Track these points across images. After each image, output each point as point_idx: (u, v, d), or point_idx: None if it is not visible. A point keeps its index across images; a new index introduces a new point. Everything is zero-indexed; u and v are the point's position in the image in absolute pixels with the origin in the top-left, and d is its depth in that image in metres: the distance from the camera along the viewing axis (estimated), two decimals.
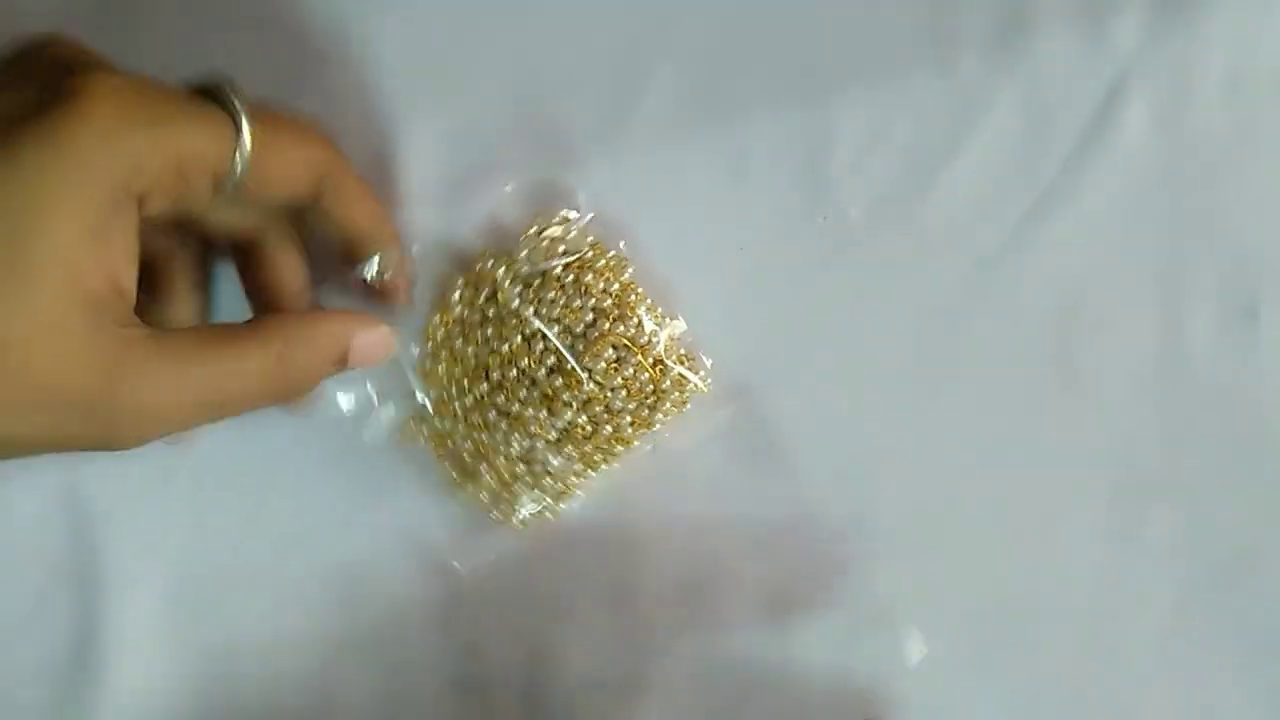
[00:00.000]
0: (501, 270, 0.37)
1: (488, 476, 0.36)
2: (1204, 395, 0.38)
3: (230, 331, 0.30)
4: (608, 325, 0.36)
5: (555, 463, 0.36)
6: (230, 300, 0.37)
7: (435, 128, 0.38)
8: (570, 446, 0.36)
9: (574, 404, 0.36)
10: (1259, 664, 0.37)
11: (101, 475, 0.37)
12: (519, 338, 0.36)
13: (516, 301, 0.36)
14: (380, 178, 0.38)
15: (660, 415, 0.37)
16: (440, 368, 0.37)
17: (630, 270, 0.37)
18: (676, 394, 0.37)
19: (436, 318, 0.37)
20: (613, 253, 0.37)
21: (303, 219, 0.34)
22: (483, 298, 0.37)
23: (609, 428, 0.36)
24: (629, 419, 0.36)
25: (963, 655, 0.37)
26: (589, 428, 0.36)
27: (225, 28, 0.39)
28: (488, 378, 0.36)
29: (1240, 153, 0.39)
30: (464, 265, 0.38)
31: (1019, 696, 0.37)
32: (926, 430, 0.38)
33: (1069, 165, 0.39)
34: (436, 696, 0.37)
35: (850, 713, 0.35)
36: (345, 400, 0.36)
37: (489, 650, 0.37)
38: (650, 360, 0.36)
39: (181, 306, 0.35)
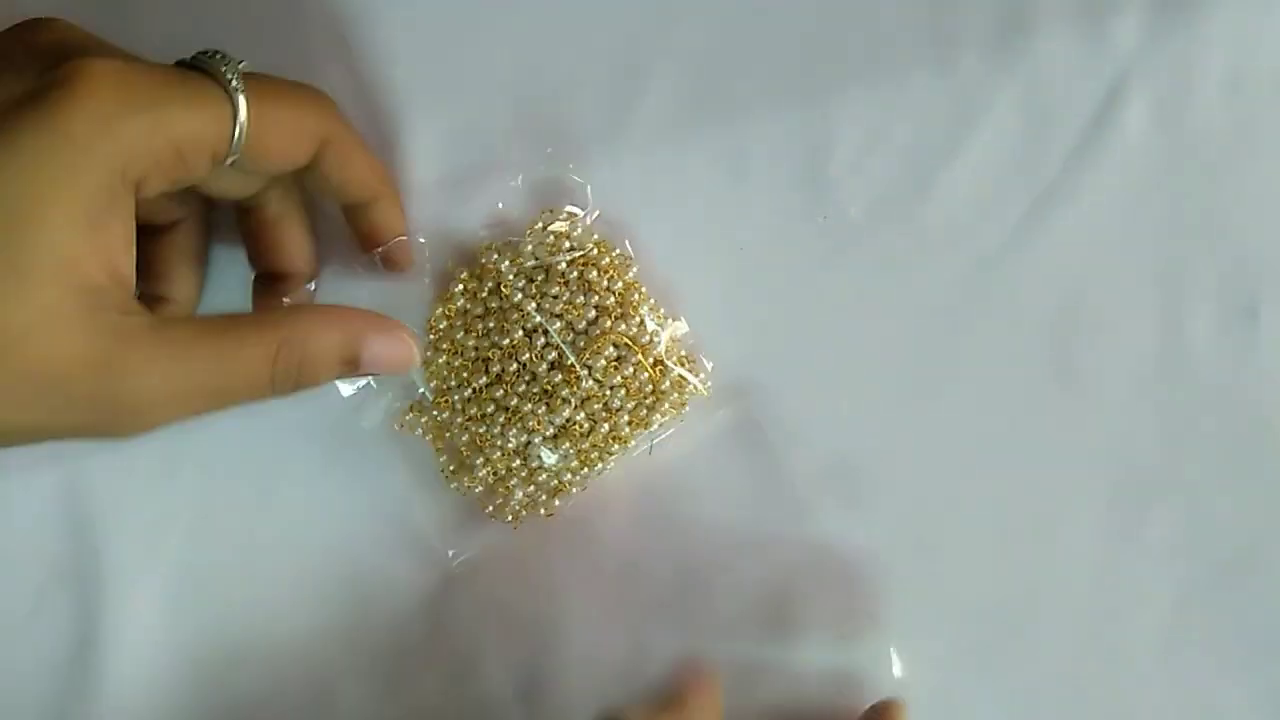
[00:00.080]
0: (506, 263, 0.37)
1: (483, 470, 0.36)
2: (1204, 395, 0.38)
3: (232, 323, 0.30)
4: (609, 323, 0.36)
5: (549, 460, 0.36)
6: (232, 297, 0.38)
7: (437, 127, 0.39)
8: (567, 443, 0.36)
9: (572, 401, 0.36)
10: (1259, 664, 0.37)
11: (101, 474, 0.37)
12: (520, 332, 0.36)
13: (519, 295, 0.36)
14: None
15: (659, 416, 0.36)
16: (441, 359, 0.37)
17: (634, 270, 0.37)
18: (676, 395, 0.37)
19: (439, 310, 0.37)
20: (617, 251, 0.37)
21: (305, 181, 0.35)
22: (485, 290, 0.37)
23: (606, 426, 0.36)
24: (627, 418, 0.36)
25: (963, 655, 0.37)
26: (587, 425, 0.36)
27: (226, 28, 0.39)
28: (487, 371, 0.36)
29: (1240, 153, 0.39)
30: (467, 259, 0.38)
31: (1019, 696, 0.37)
32: (926, 430, 0.38)
33: (1069, 165, 0.39)
34: (435, 693, 0.37)
35: (849, 712, 0.35)
36: (345, 387, 0.36)
37: (487, 648, 0.37)
38: (651, 360, 0.36)
39: (180, 284, 0.35)
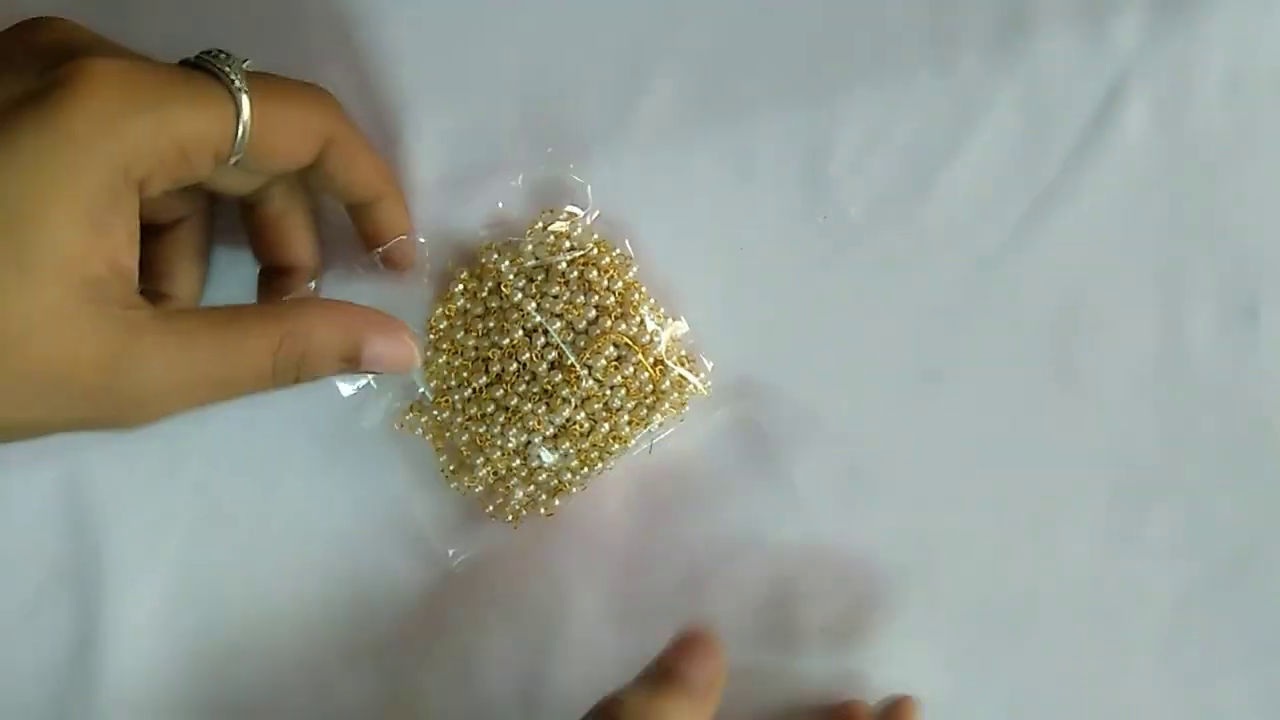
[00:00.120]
0: (506, 263, 0.37)
1: (483, 470, 0.36)
2: (1204, 395, 0.38)
3: (236, 314, 0.30)
4: (610, 323, 0.36)
5: (549, 459, 0.36)
6: (234, 294, 0.38)
7: (438, 126, 0.39)
8: (568, 443, 0.36)
9: (572, 400, 0.36)
10: (1259, 664, 0.37)
11: (101, 473, 0.37)
12: (520, 331, 0.36)
13: (519, 295, 0.36)
14: None
15: (659, 415, 0.36)
16: (441, 359, 0.37)
17: (635, 269, 0.37)
18: (676, 395, 0.37)
19: (440, 309, 0.37)
20: (618, 250, 0.37)
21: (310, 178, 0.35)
22: (485, 290, 0.37)
23: (606, 426, 0.36)
24: (627, 418, 0.36)
25: (963, 655, 0.37)
26: (587, 425, 0.36)
27: (227, 27, 0.39)
28: (487, 371, 0.36)
29: (1240, 153, 0.39)
30: (468, 259, 0.38)
31: (1019, 696, 0.37)
32: (926, 430, 0.38)
33: (1069, 165, 0.39)
34: (434, 692, 0.37)
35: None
36: (345, 387, 0.36)
37: (487, 647, 0.37)
38: (651, 360, 0.36)
39: (183, 281, 0.36)
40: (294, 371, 0.30)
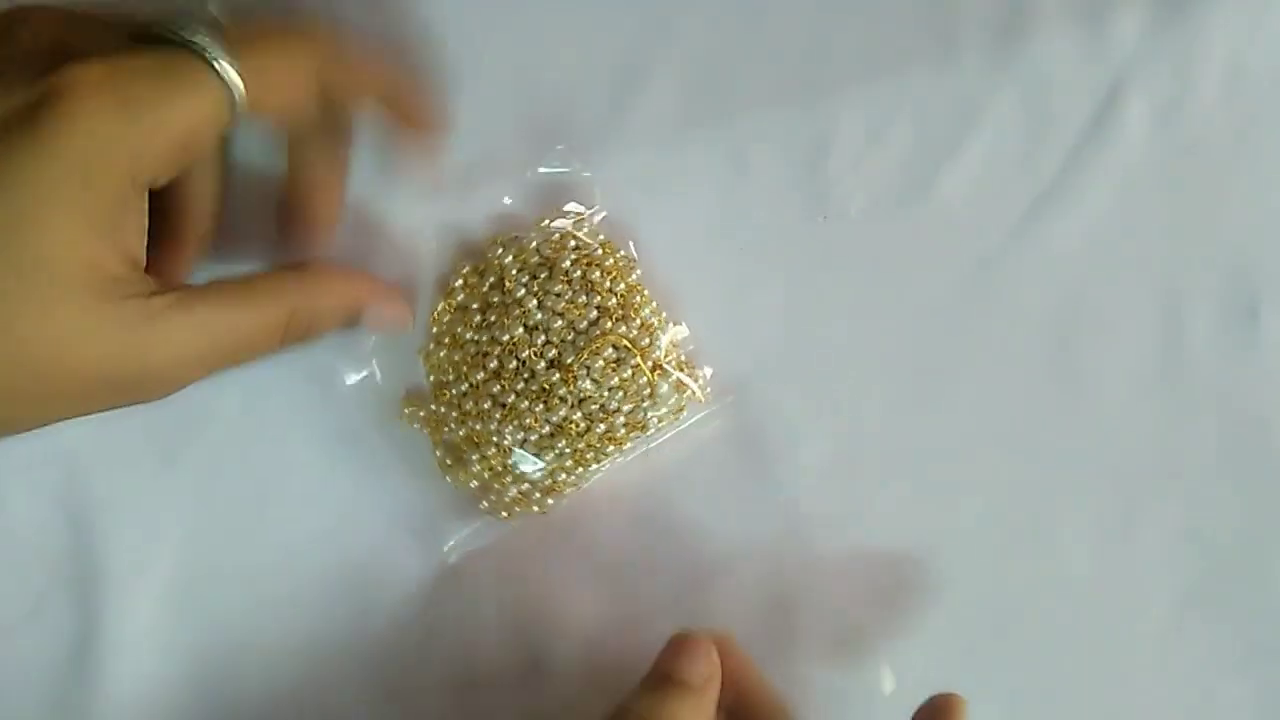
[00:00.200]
0: (510, 258, 0.37)
1: (478, 466, 0.36)
2: (1204, 395, 0.38)
3: (247, 289, 0.31)
4: (610, 324, 0.36)
5: (529, 468, 0.36)
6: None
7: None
8: (563, 441, 0.36)
9: (569, 400, 0.36)
10: (1259, 664, 0.37)
11: (101, 474, 0.37)
12: (521, 328, 0.36)
13: (522, 290, 0.36)
14: (384, 174, 0.38)
15: (655, 419, 0.36)
16: (441, 353, 0.37)
17: (638, 273, 0.37)
18: (674, 399, 0.37)
19: (442, 303, 0.37)
20: (622, 252, 0.37)
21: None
22: (487, 285, 0.37)
23: (602, 426, 0.36)
24: (623, 420, 0.36)
25: (962, 656, 0.37)
26: (582, 425, 0.36)
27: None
28: (485, 366, 0.36)
29: (1240, 153, 0.39)
30: (472, 254, 0.38)
31: (1018, 697, 0.37)
32: (926, 430, 0.38)
33: (1069, 165, 0.39)
34: (432, 690, 0.37)
35: (850, 712, 0.35)
36: (348, 378, 0.36)
37: (486, 645, 0.37)
38: (649, 364, 0.36)
39: (194, 250, 0.35)
40: (301, 336, 0.33)
